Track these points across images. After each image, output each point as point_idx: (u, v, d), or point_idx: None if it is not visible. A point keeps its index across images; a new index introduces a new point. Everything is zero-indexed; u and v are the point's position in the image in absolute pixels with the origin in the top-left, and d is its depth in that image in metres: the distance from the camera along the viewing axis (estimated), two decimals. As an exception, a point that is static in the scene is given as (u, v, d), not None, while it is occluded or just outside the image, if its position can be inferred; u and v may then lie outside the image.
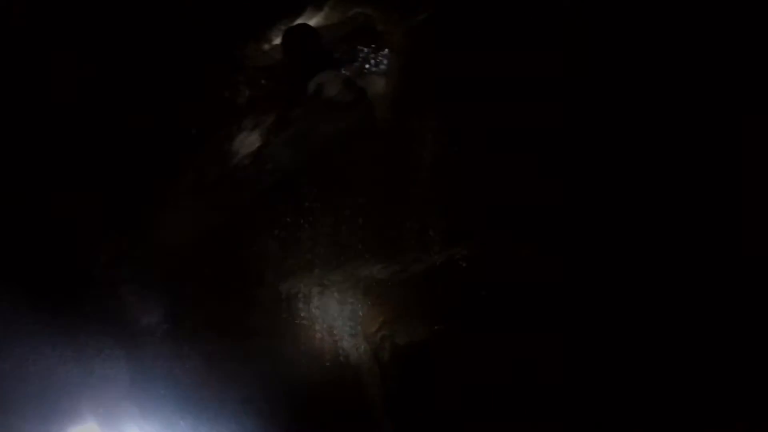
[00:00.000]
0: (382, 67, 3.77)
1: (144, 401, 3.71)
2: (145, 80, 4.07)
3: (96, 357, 3.65)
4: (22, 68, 3.59)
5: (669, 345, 2.64)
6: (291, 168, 3.85)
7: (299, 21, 4.09)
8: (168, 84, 4.09)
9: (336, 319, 3.58)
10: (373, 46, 3.75)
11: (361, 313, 3.54)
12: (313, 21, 4.16)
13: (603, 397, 2.70)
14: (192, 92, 4.20)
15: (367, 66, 3.80)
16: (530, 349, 2.86)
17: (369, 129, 3.84)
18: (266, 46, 4.37)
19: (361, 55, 3.74)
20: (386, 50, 3.77)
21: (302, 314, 3.62)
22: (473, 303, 3.09)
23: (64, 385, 3.62)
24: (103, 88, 3.75)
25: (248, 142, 4.20)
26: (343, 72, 3.68)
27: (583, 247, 2.86)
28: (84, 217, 3.66)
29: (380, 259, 3.43)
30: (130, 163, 3.95)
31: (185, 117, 4.17)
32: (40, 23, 3.59)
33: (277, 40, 4.28)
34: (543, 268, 2.89)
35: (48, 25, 3.60)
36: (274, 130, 4.04)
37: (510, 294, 2.98)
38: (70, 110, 3.74)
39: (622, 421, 2.67)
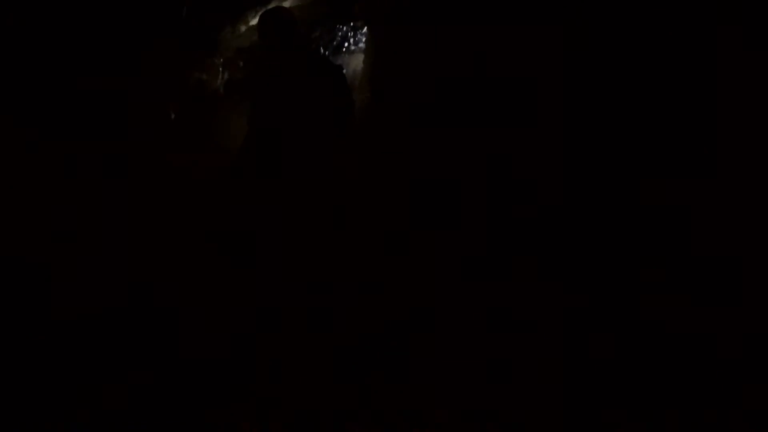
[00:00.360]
0: (361, 45, 3.85)
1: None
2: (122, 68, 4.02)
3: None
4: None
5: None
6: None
7: (276, 1, 4.15)
8: (146, 70, 4.06)
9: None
10: (351, 24, 3.83)
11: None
12: (288, 2, 4.22)
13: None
14: (169, 76, 4.19)
15: (346, 44, 3.89)
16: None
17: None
18: (243, 28, 4.41)
19: (339, 33, 3.82)
20: (365, 28, 3.85)
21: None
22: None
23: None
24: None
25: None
26: (323, 51, 3.77)
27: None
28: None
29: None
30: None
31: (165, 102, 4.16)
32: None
33: (254, 22, 4.33)
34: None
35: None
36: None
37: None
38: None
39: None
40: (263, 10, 4.05)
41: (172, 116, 4.30)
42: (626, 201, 2.55)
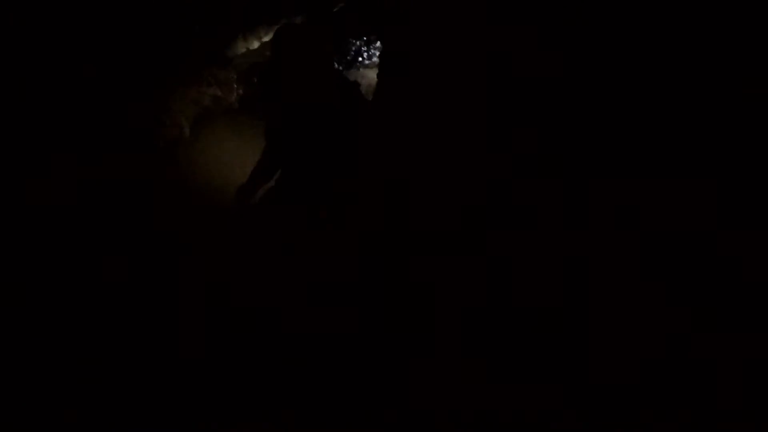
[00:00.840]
0: (375, 59, 3.84)
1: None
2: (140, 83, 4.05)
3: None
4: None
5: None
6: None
7: (289, 17, 4.16)
8: (160, 86, 4.10)
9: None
10: (364, 38, 3.82)
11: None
12: (300, 18, 4.23)
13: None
14: (184, 92, 4.23)
15: (360, 59, 3.87)
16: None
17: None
18: (256, 43, 4.43)
19: (353, 48, 3.82)
20: (378, 42, 3.84)
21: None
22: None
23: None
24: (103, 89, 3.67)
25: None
26: (337, 66, 3.76)
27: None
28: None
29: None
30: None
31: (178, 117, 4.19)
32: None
33: (266, 38, 4.34)
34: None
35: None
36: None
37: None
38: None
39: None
40: (277, 26, 4.06)
41: (187, 132, 4.33)
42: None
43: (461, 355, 1.86)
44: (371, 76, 3.85)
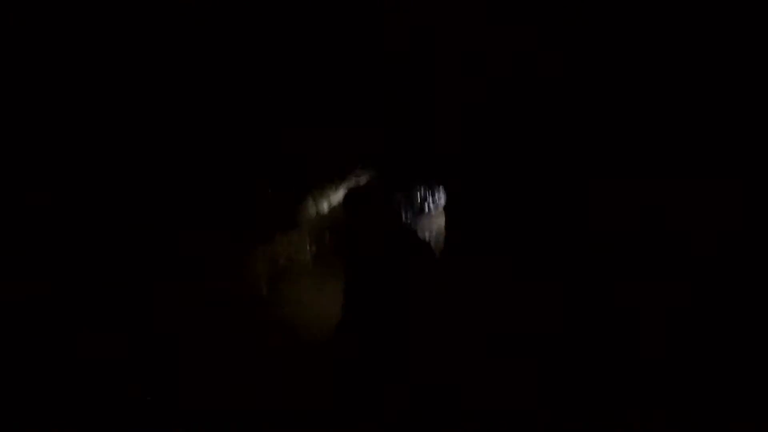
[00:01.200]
0: (440, 206, 3.93)
1: None
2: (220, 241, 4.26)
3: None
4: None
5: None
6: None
7: (355, 179, 4.42)
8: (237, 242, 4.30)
9: None
10: (428, 187, 3.97)
11: None
12: (367, 178, 4.47)
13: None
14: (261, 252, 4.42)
15: (426, 206, 3.98)
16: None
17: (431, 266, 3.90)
18: (325, 205, 4.67)
19: (419, 196, 3.95)
20: (441, 189, 3.96)
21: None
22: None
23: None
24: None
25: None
26: (404, 216, 3.87)
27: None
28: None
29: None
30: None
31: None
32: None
33: (335, 200, 4.59)
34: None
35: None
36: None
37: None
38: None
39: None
40: (348, 189, 4.28)
41: (264, 290, 4.43)
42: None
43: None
44: (439, 222, 3.94)
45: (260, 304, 4.12)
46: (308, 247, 4.58)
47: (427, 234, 4.00)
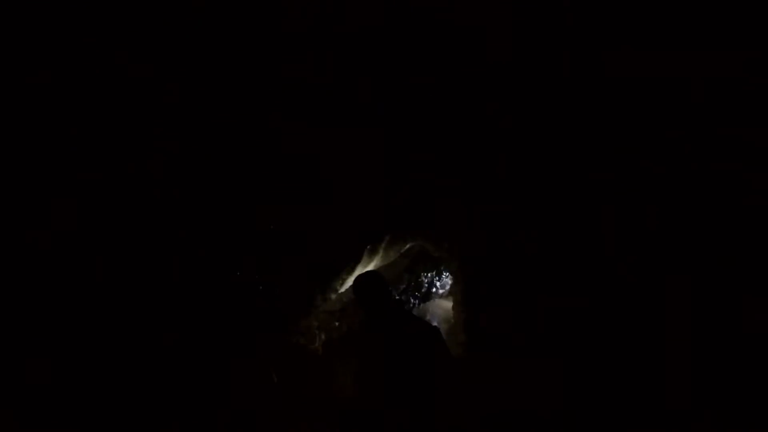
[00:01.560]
0: (447, 288, 4.07)
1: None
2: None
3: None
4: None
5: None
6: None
7: (361, 266, 4.57)
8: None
9: None
10: (434, 271, 4.13)
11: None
12: (373, 263, 4.63)
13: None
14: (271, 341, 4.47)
15: (433, 290, 4.13)
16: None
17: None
18: (333, 295, 4.79)
19: (425, 280, 4.10)
20: (446, 273, 4.12)
21: None
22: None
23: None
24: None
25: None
26: (412, 300, 4.01)
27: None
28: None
29: None
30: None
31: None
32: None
33: (342, 288, 4.73)
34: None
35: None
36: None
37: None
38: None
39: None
40: (358, 274, 4.45)
41: (275, 380, 4.46)
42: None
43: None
44: (446, 306, 4.07)
45: (269, 393, 4.16)
46: (317, 335, 4.67)
47: (434, 319, 4.12)
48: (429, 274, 4.21)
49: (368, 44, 4.09)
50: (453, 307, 4.04)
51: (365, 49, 4.10)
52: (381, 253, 4.50)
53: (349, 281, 4.65)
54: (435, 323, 4.26)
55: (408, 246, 4.37)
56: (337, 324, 4.61)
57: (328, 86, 4.08)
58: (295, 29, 3.89)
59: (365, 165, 4.17)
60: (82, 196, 3.49)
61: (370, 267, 4.49)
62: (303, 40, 3.94)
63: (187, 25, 3.69)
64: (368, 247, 4.51)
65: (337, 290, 4.68)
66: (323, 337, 4.67)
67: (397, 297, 3.98)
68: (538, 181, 3.90)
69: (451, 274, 4.10)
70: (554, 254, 3.75)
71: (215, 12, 3.72)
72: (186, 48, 3.74)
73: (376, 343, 2.95)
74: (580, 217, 3.65)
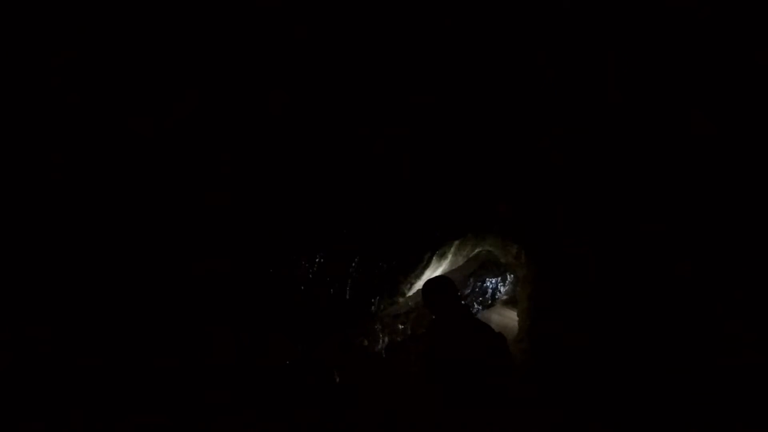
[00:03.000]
0: (511, 294, 3.97)
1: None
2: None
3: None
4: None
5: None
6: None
7: (430, 269, 4.57)
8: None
9: None
10: (500, 277, 4.04)
11: None
12: (442, 268, 4.62)
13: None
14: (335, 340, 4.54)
15: (497, 295, 4.04)
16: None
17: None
18: (400, 299, 4.81)
19: (491, 285, 4.02)
20: (511, 278, 4.02)
21: None
22: None
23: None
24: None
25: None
26: (476, 306, 3.94)
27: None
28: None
29: None
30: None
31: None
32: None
33: (410, 291, 4.74)
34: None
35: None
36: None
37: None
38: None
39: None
40: (428, 279, 4.44)
41: (337, 380, 4.51)
42: None
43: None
44: (504, 312, 3.95)
45: (331, 392, 4.20)
46: (381, 338, 4.68)
47: (495, 326, 4.00)
48: (494, 280, 4.12)
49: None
50: (518, 314, 3.90)
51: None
52: (450, 257, 4.49)
53: (418, 285, 4.66)
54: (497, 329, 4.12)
55: (476, 251, 4.33)
56: (401, 327, 4.60)
57: (404, 90, 4.18)
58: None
59: (435, 169, 4.21)
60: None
61: (439, 271, 4.47)
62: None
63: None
64: (437, 251, 4.52)
65: (405, 293, 4.70)
66: (386, 339, 4.68)
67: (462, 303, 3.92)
68: (607, 191, 3.72)
69: (517, 280, 3.99)
70: (621, 263, 3.53)
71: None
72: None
73: (445, 347, 2.93)
74: (653, 226, 3.40)
